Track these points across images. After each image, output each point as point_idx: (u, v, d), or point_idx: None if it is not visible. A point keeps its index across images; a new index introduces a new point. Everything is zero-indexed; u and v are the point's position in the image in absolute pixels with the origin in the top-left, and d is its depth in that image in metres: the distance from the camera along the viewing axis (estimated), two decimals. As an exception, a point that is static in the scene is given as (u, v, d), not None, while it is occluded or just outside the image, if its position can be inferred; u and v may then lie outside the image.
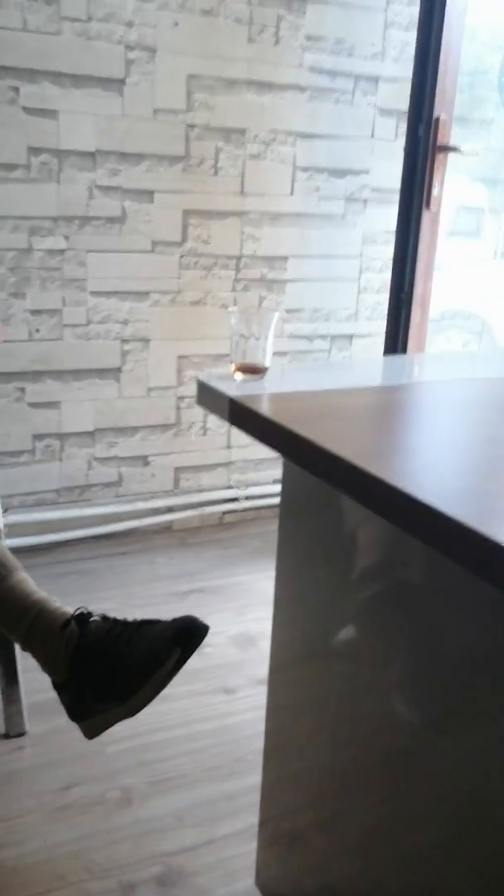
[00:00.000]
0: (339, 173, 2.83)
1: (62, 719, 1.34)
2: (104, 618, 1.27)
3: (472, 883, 0.95)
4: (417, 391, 1.25)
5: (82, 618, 1.26)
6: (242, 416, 1.10)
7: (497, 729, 0.89)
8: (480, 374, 1.38)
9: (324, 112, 2.75)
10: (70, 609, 1.29)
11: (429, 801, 1.01)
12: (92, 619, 1.26)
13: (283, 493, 1.26)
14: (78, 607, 1.28)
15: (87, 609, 1.28)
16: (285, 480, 1.25)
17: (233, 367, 1.23)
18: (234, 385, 1.18)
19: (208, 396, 1.18)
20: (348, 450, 0.92)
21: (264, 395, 1.14)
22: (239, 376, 1.22)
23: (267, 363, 1.23)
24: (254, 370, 1.22)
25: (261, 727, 1.41)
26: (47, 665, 1.27)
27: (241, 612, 2.40)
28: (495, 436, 1.05)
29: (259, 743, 1.42)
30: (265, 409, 1.08)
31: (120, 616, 1.29)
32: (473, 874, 0.94)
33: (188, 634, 1.19)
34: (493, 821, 0.90)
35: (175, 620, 1.22)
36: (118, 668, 1.20)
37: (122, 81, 2.45)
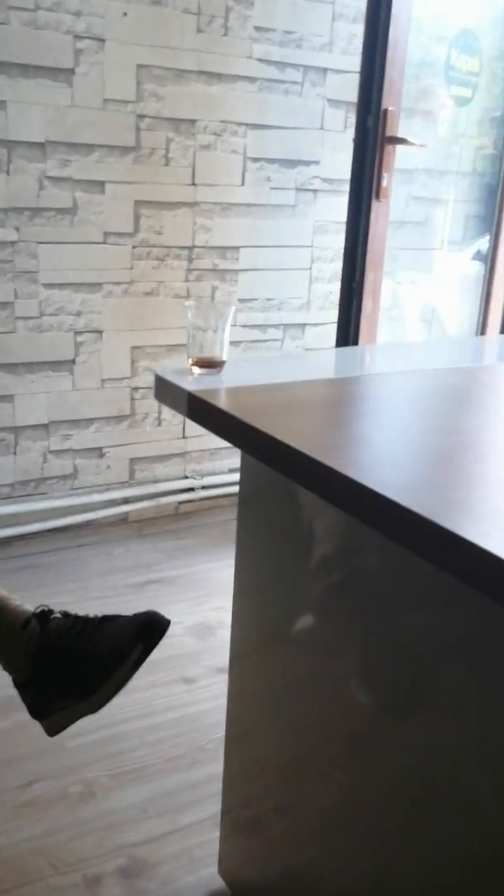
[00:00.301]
0: (290, 164, 2.85)
1: (22, 716, 1.34)
2: (65, 615, 1.27)
3: (428, 863, 0.98)
4: (370, 383, 1.27)
5: (43, 615, 1.26)
6: (201, 411, 1.11)
7: (451, 713, 0.92)
8: (430, 366, 1.41)
9: (273, 103, 2.76)
10: (30, 607, 1.29)
11: (386, 784, 1.03)
12: (53, 616, 1.26)
13: (242, 482, 1.27)
14: (39, 605, 1.28)
15: (48, 607, 1.28)
16: (244, 469, 1.26)
17: (190, 360, 1.23)
18: (192, 379, 1.19)
19: (166, 391, 1.19)
20: (307, 444, 0.93)
21: (222, 390, 1.15)
22: (196, 370, 1.22)
23: (224, 356, 1.24)
24: (211, 364, 1.23)
25: (221, 716, 1.43)
26: (8, 664, 1.27)
27: (199, 602, 2.42)
28: (446, 427, 1.07)
29: (220, 731, 1.44)
30: (223, 403, 1.09)
31: (81, 612, 1.30)
32: (429, 854, 0.97)
33: (150, 629, 1.20)
34: (448, 803, 0.93)
35: (136, 616, 1.22)
36: (80, 665, 1.21)
37: (71, 71, 2.42)
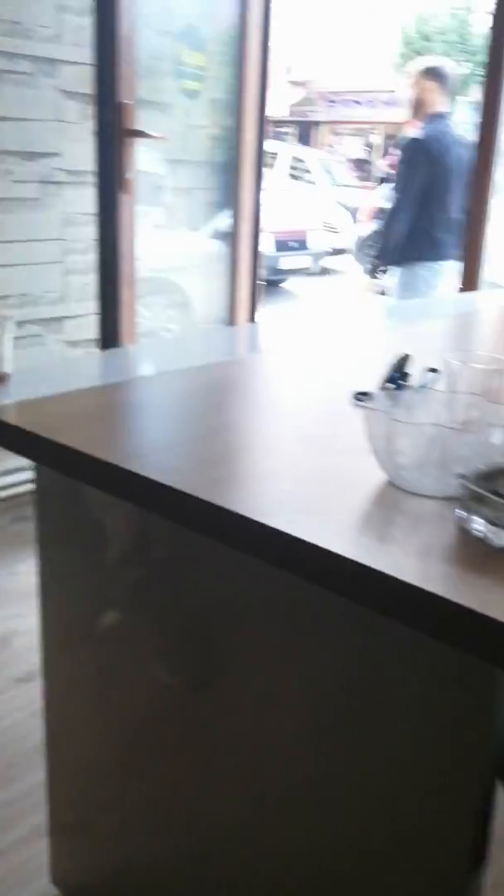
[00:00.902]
0: (30, 156, 2.78)
1: None
2: None
3: (259, 839, 1.05)
4: (150, 385, 1.31)
5: None
6: (-4, 429, 1.09)
7: (245, 678, 1.00)
8: (196, 361, 1.47)
9: (7, 94, 2.68)
10: None
11: (201, 758, 1.10)
12: None
13: (38, 484, 1.26)
14: None
15: None
16: (38, 472, 1.25)
17: (-29, 377, 1.21)
18: (-22, 397, 1.17)
19: (-47, 412, 1.15)
20: (112, 454, 0.96)
21: (12, 405, 1.14)
22: (-20, 387, 1.20)
23: (7, 369, 1.22)
24: (-5, 379, 1.21)
25: (28, 727, 1.42)
26: None
27: (-15, 615, 2.34)
28: (228, 423, 1.15)
29: (29, 743, 1.43)
30: (17, 419, 1.08)
31: None
32: (259, 831, 1.05)
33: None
34: (257, 767, 1.01)
35: None
36: None
37: None
